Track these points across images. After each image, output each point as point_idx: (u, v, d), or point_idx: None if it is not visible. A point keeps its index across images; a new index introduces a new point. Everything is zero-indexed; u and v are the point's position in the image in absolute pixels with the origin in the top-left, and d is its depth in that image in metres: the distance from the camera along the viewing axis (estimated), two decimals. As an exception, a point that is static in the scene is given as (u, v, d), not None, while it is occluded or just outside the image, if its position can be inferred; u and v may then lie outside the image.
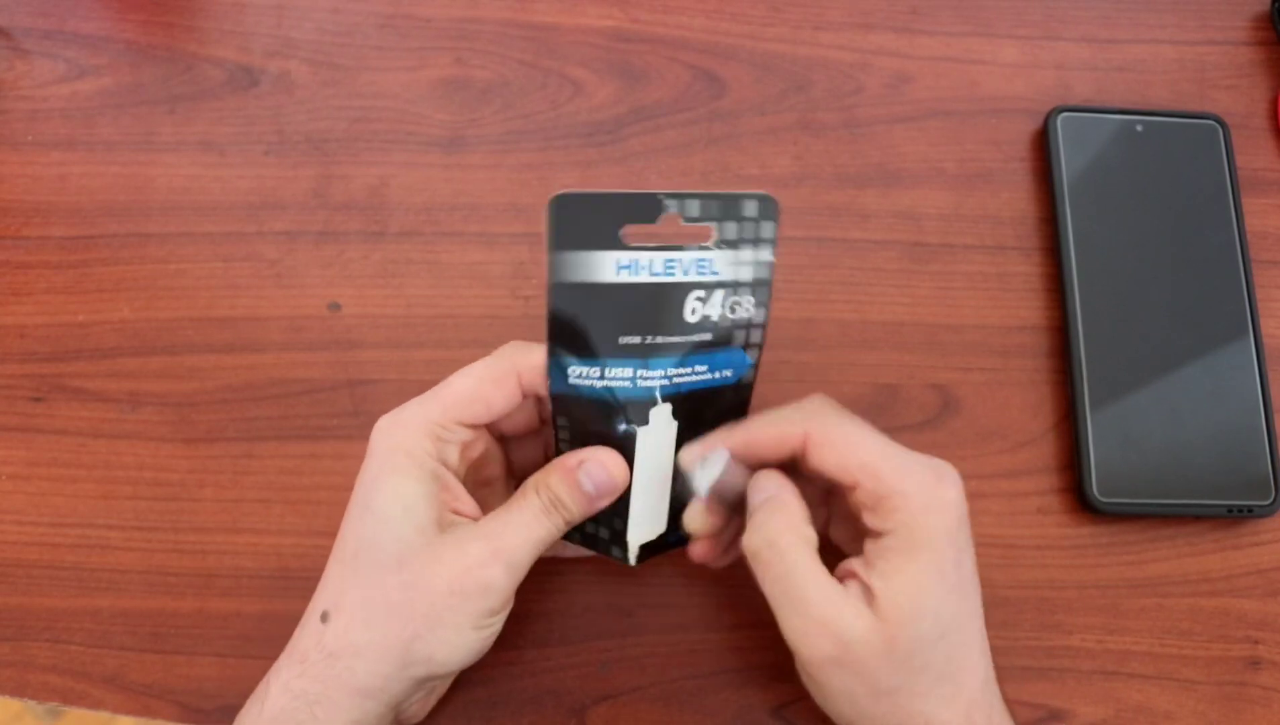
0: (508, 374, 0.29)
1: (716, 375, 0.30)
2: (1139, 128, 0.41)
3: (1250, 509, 0.36)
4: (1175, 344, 0.38)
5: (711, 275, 0.29)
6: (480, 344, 0.38)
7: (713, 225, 0.29)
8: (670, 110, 0.41)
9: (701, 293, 0.29)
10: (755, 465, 0.30)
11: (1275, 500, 0.36)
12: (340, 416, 0.37)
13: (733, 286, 0.29)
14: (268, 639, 0.34)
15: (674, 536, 0.33)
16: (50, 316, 0.38)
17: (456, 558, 0.28)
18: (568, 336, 0.28)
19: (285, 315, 0.38)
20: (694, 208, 0.28)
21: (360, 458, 0.35)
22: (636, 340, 0.29)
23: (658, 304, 0.29)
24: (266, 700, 0.28)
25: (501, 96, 0.41)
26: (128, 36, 0.41)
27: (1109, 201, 0.39)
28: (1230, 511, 0.36)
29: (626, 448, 0.30)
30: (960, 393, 0.38)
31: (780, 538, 0.28)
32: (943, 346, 0.39)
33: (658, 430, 0.30)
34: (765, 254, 0.29)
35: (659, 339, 0.29)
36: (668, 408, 0.30)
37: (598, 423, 0.30)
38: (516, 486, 0.33)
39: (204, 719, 0.34)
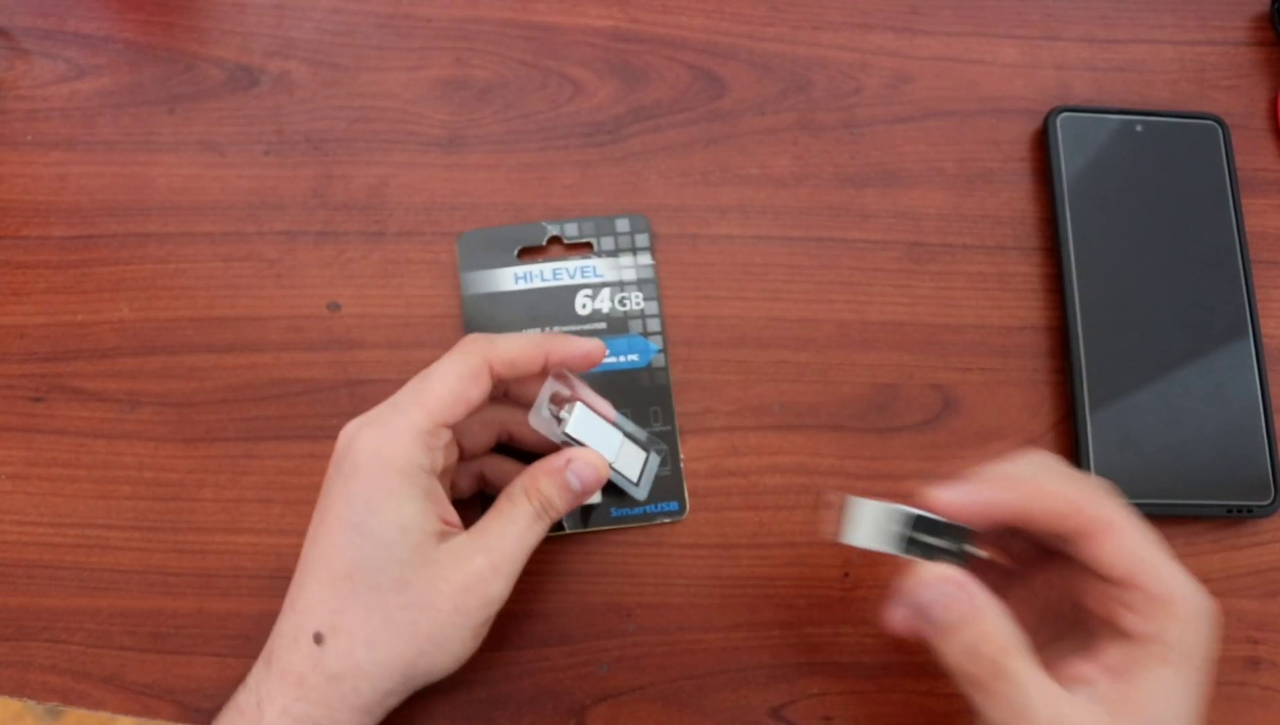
0: (482, 368, 0.29)
1: (623, 358, 0.37)
2: (1139, 128, 0.41)
3: (1250, 509, 0.36)
4: (1175, 344, 0.38)
5: (596, 277, 0.38)
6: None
7: (591, 241, 0.38)
8: (670, 110, 0.41)
9: (589, 291, 0.38)
10: (1022, 526, 0.28)
11: (1274, 501, 0.36)
12: (340, 416, 0.36)
13: (618, 285, 0.38)
14: (267, 639, 0.34)
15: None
16: (50, 316, 0.38)
17: (458, 575, 0.28)
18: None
19: (285, 315, 0.38)
20: (572, 229, 0.39)
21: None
22: (537, 330, 0.37)
23: (552, 302, 0.38)
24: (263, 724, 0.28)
25: (501, 96, 0.41)
26: (127, 36, 0.41)
27: (1109, 201, 0.39)
28: (1230, 512, 0.36)
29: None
30: (960, 393, 0.38)
31: (987, 646, 0.26)
32: (942, 346, 0.39)
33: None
34: (644, 258, 0.38)
35: (556, 327, 0.37)
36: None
37: None
38: (460, 459, 0.33)
39: (203, 719, 0.34)
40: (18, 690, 0.34)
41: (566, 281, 0.38)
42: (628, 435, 0.33)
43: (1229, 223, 0.39)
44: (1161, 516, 0.37)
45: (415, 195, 0.40)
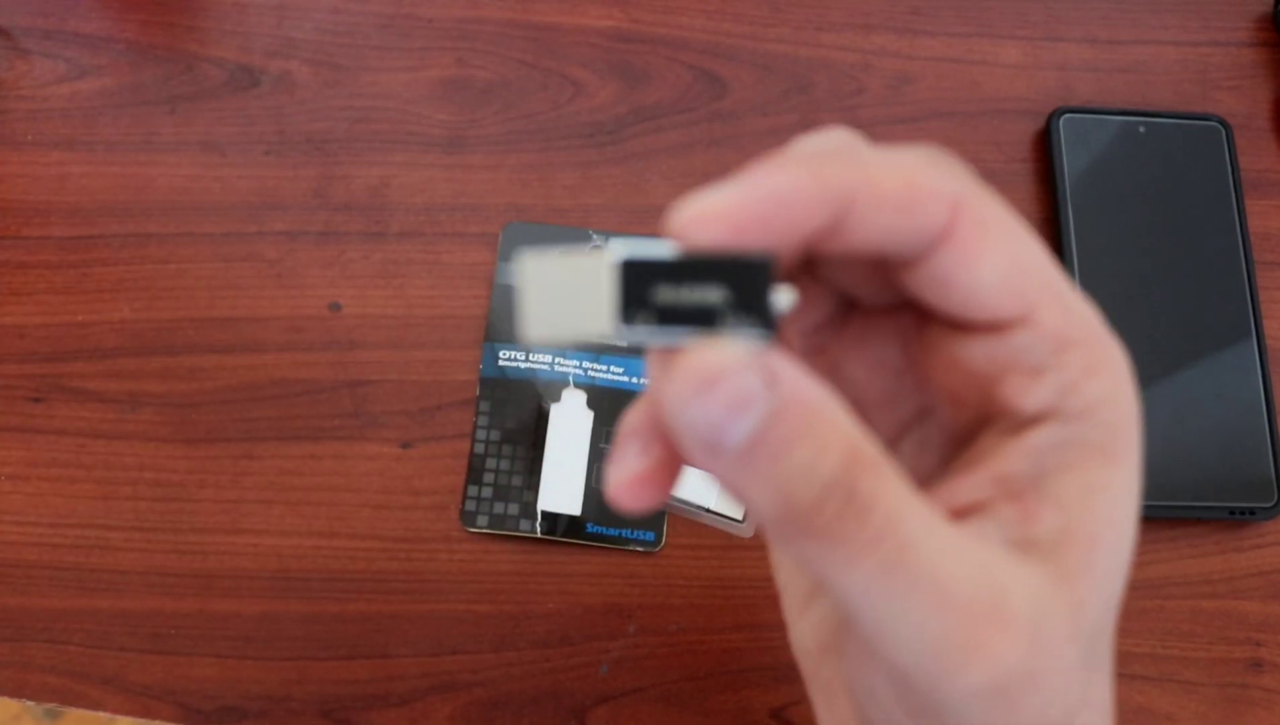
0: None
1: (633, 380, 0.37)
2: (1141, 129, 0.41)
3: (1252, 511, 0.36)
4: (1177, 345, 0.38)
5: None
6: (480, 345, 0.38)
7: None
8: (671, 111, 0.41)
9: None
10: (830, 243, 0.15)
11: (1277, 503, 0.36)
12: (340, 417, 0.37)
13: None
14: (267, 640, 0.34)
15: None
16: (50, 317, 0.38)
17: None
18: (501, 327, 0.37)
19: (286, 315, 0.38)
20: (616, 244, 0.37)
21: (361, 458, 0.36)
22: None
23: None
24: None
25: (502, 97, 0.41)
26: (128, 36, 0.41)
27: (1111, 202, 0.39)
28: (1232, 513, 0.36)
29: (541, 423, 0.36)
30: (962, 394, 0.38)
31: (833, 463, 0.14)
32: (944, 348, 0.39)
33: (568, 409, 0.36)
34: None
35: None
36: (581, 393, 0.36)
37: (518, 401, 0.37)
38: None
39: (203, 720, 0.33)
40: (17, 691, 0.34)
41: None
42: None
43: (1232, 224, 0.39)
44: (1164, 518, 0.37)
45: (416, 196, 0.39)
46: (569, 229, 0.39)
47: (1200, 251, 0.39)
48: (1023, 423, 0.16)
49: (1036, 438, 0.15)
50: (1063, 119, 0.40)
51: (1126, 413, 0.16)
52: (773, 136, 0.41)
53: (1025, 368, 0.16)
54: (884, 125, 0.41)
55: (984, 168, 0.41)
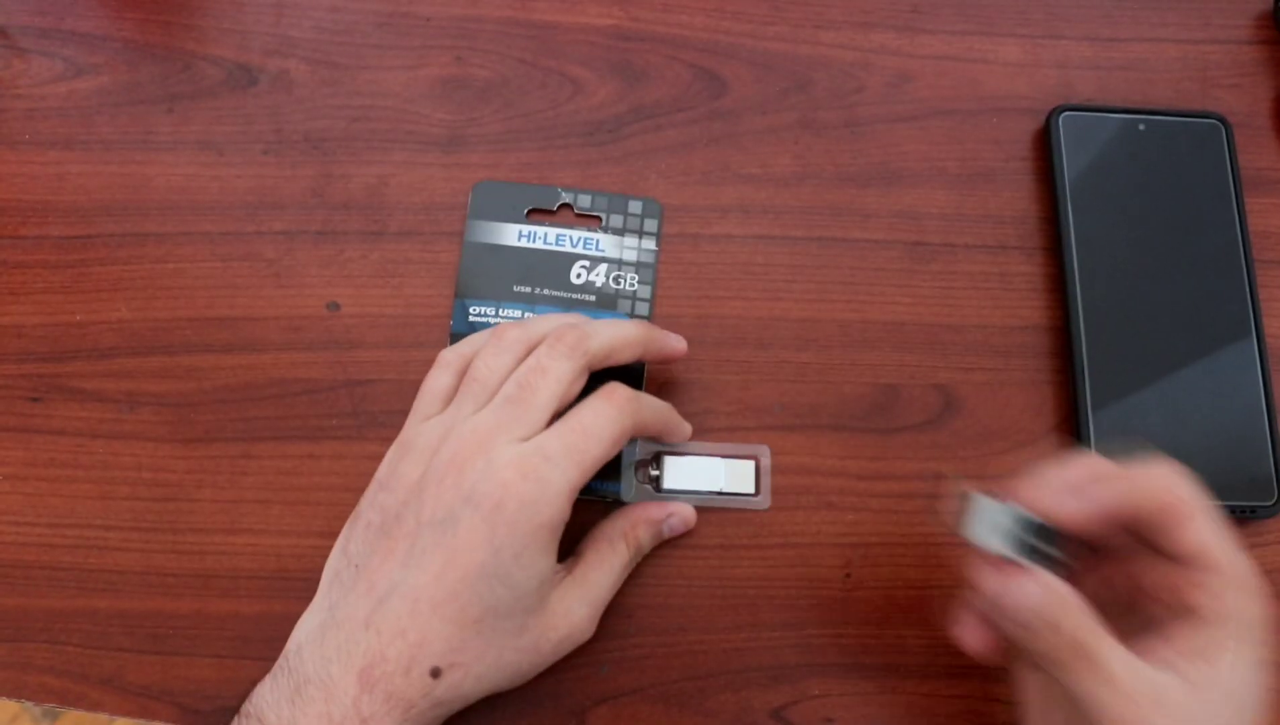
0: (630, 433, 0.31)
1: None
2: (1141, 127, 0.40)
3: (1253, 510, 0.36)
4: (1177, 344, 0.38)
5: (597, 251, 0.38)
6: (480, 344, 0.37)
7: (601, 215, 0.39)
8: (670, 109, 0.41)
9: (586, 262, 0.38)
10: (1117, 523, 0.28)
11: (1278, 501, 0.36)
12: (339, 417, 0.37)
13: (616, 263, 0.38)
14: (266, 640, 0.34)
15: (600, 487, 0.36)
16: (48, 316, 0.37)
17: (565, 624, 0.31)
18: (472, 284, 0.38)
19: (284, 315, 0.38)
20: (585, 200, 0.39)
21: (360, 457, 0.36)
22: (527, 289, 0.38)
23: (548, 265, 0.38)
24: None
25: (501, 95, 0.41)
26: (125, 35, 0.41)
27: (1111, 201, 0.39)
28: (1233, 512, 0.36)
29: None
30: (962, 393, 0.38)
31: (1071, 632, 0.26)
32: (944, 346, 0.38)
33: None
34: (649, 243, 0.39)
35: (546, 291, 0.38)
36: None
37: None
38: None
39: (201, 720, 0.33)
40: (15, 692, 0.33)
41: (568, 249, 0.38)
42: (725, 456, 0.36)
43: (1232, 222, 0.39)
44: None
45: (414, 195, 0.39)
46: (535, 187, 0.39)
47: (1200, 249, 0.39)
48: (1204, 619, 0.27)
49: (1210, 629, 0.27)
50: (1063, 117, 0.40)
51: (1260, 620, 0.27)
52: (772, 135, 0.41)
53: (1195, 585, 0.27)
54: (884, 123, 0.41)
55: (983, 166, 0.41)
